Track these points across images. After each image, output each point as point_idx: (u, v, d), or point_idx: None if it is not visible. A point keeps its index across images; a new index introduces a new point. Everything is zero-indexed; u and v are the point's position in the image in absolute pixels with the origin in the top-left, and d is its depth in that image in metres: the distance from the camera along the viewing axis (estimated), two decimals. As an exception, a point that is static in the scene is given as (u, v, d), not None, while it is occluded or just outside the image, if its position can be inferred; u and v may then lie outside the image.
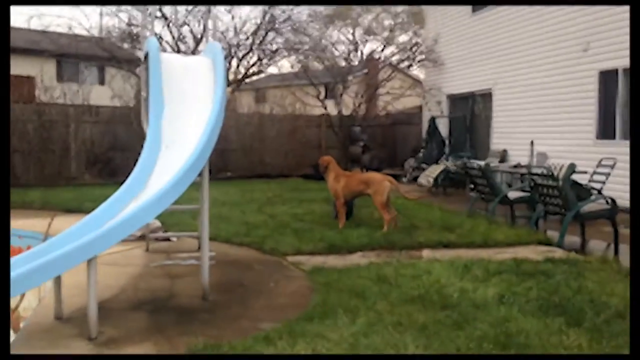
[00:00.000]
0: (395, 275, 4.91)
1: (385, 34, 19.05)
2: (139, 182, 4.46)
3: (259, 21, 17.09)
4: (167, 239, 6.84)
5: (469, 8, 14.48)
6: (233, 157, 15.65)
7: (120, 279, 5.00)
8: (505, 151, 12.80)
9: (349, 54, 19.43)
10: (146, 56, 5.27)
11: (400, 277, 4.86)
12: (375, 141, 17.73)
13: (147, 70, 5.44)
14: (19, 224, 7.73)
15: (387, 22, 19.68)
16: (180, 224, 7.52)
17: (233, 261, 5.86)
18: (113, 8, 16.53)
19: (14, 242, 7.13)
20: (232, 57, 17.11)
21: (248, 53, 17.37)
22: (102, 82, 22.69)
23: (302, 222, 7.89)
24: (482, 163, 9.27)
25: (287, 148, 16.53)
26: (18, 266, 3.54)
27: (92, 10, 19.62)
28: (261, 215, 8.64)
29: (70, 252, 3.51)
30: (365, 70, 20.64)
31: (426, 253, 6.17)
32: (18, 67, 19.49)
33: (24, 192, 10.66)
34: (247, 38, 17.30)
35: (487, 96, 13.85)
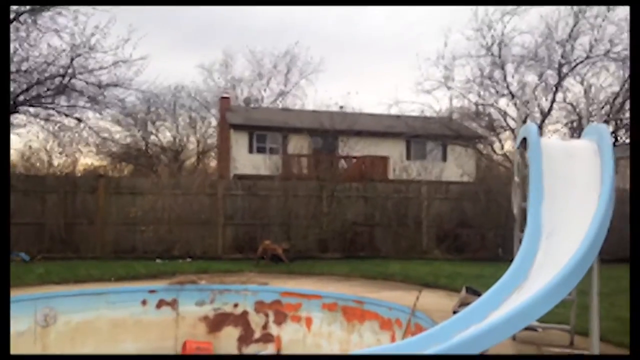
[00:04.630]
0: None
1: None
2: (520, 272, 4.36)
3: (616, 89, 15.68)
4: (533, 329, 6.45)
5: None
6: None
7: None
8: None
9: None
10: (522, 141, 5.24)
11: None
12: None
13: (521, 156, 5.41)
14: (385, 296, 8.42)
15: None
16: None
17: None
18: (462, 90, 17.50)
19: (384, 313, 7.80)
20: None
21: (606, 122, 16.02)
22: (444, 158, 23.95)
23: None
24: None
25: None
26: (412, 348, 3.77)
27: (444, 95, 21.27)
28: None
29: (458, 345, 3.56)
30: None
31: None
32: (375, 148, 22.29)
33: (385, 264, 11.73)
34: (602, 107, 16.01)
35: None
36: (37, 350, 7.87)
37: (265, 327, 8.86)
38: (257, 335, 8.86)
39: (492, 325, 3.68)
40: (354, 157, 20.66)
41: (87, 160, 26.93)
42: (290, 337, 8.75)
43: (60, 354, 8.00)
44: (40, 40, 13.16)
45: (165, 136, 31.68)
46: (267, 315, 8.90)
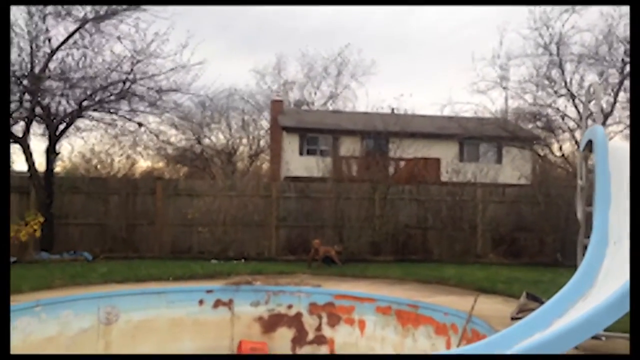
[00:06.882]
0: None
1: None
2: (586, 280, 4.22)
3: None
4: (597, 337, 6.22)
5: None
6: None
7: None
8: None
9: None
10: (587, 145, 5.07)
11: None
12: None
13: (585, 159, 5.24)
14: (440, 300, 8.32)
15: None
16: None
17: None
18: (518, 90, 17.04)
19: (440, 318, 7.69)
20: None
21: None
22: (499, 161, 23.35)
23: None
24: None
25: None
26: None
27: (499, 95, 20.76)
28: None
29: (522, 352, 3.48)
30: None
31: None
32: (428, 150, 22.00)
33: (439, 268, 11.58)
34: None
35: None
36: (99, 347, 8.18)
37: (318, 328, 8.91)
38: (310, 336, 8.92)
39: (557, 333, 3.57)
40: (406, 159, 20.47)
41: (144, 162, 27.83)
42: (344, 339, 8.76)
43: (119, 353, 8.30)
44: (104, 47, 13.70)
45: (219, 139, 32.35)
46: (320, 317, 8.94)
